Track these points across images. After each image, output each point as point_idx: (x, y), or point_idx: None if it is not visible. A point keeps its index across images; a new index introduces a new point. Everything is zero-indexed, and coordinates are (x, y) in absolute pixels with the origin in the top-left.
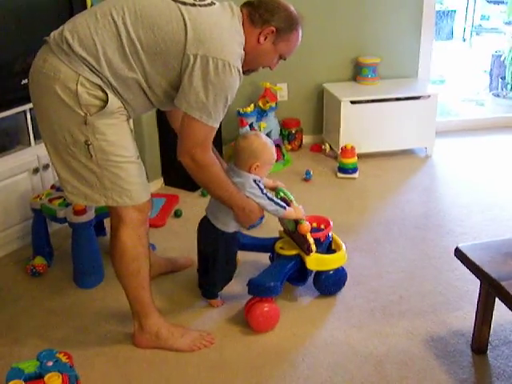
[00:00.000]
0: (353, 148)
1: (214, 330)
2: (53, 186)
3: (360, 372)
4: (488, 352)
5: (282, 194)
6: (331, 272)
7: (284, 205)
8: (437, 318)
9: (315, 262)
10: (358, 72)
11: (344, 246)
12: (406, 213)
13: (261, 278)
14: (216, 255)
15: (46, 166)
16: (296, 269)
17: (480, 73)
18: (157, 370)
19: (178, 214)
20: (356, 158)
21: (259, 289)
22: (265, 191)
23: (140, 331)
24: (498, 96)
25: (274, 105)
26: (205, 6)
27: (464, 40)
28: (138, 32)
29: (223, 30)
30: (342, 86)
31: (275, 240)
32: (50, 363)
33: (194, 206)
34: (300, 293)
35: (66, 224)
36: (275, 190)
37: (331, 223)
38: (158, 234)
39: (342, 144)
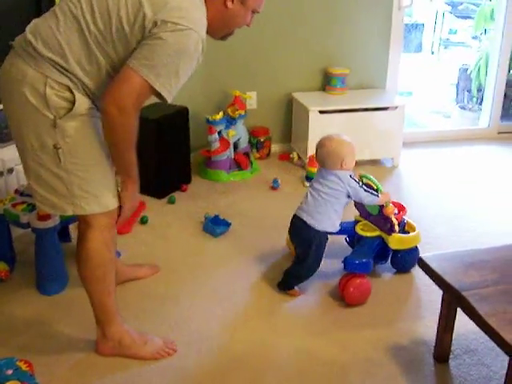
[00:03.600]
0: None
1: (177, 337)
2: (16, 191)
3: (323, 380)
4: (450, 361)
5: (365, 180)
6: (407, 251)
7: (377, 193)
8: (400, 326)
9: (397, 241)
10: (327, 82)
11: (417, 228)
12: None
13: (354, 256)
14: (308, 252)
15: (10, 170)
16: (380, 248)
17: (447, 85)
18: (119, 378)
19: (144, 221)
20: None
21: (355, 265)
22: (360, 184)
23: (103, 338)
24: (464, 108)
25: (243, 113)
26: None
27: (432, 53)
28: (97, 24)
29: None
30: (311, 95)
31: (354, 223)
32: (10, 371)
33: (160, 213)
34: (264, 303)
35: (30, 229)
36: (360, 176)
37: (406, 208)
38: (124, 241)
39: (309, 153)
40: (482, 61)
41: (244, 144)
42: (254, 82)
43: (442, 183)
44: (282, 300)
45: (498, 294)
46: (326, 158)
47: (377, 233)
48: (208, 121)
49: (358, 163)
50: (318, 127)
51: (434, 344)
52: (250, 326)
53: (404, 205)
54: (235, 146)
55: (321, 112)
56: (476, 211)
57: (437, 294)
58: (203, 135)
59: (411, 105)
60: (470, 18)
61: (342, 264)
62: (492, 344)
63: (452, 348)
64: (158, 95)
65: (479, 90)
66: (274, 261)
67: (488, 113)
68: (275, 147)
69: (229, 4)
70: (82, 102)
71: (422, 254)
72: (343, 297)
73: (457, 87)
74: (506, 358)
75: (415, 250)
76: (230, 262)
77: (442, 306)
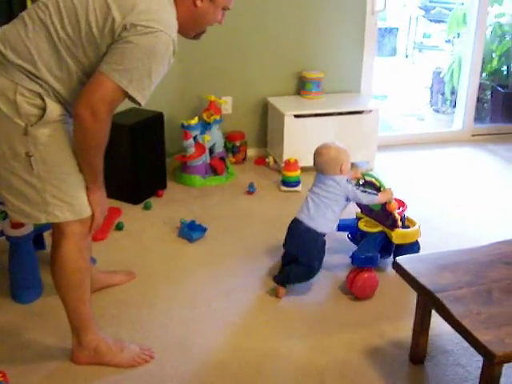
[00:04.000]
0: (296, 161)
1: (154, 344)
2: None
3: None
4: (426, 362)
5: (367, 178)
6: (408, 245)
7: (375, 192)
8: (376, 329)
9: (399, 236)
10: (302, 86)
11: (418, 222)
12: None
13: (361, 251)
14: (312, 255)
15: None
16: (383, 243)
17: (422, 88)
18: None
19: (119, 227)
20: (299, 171)
21: (362, 260)
22: (357, 187)
23: (78, 347)
24: (437, 111)
25: (218, 118)
26: None
27: (407, 56)
28: (65, 29)
29: (151, 0)
30: (286, 99)
31: (356, 220)
32: None
33: (136, 219)
34: (241, 307)
35: (3, 237)
36: (362, 175)
37: (406, 204)
38: (99, 248)
39: (285, 157)
40: (455, 64)
41: (219, 149)
42: (229, 87)
43: (416, 186)
44: (260, 304)
45: (471, 295)
46: (325, 165)
47: (380, 228)
48: (183, 126)
49: None
50: (294, 131)
51: (410, 346)
52: (227, 331)
53: (404, 201)
54: (211, 150)
55: (296, 116)
56: (450, 213)
57: (414, 295)
58: (178, 140)
59: (386, 108)
60: (443, 21)
61: (350, 259)
62: (467, 344)
63: (428, 349)
64: (132, 99)
65: (453, 92)
66: (251, 265)
67: (461, 115)
68: (251, 152)
69: (198, 3)
70: (54, 109)
71: (397, 257)
72: (352, 291)
73: (431, 90)
74: (481, 359)
75: (416, 243)
76: (206, 267)
77: (416, 307)
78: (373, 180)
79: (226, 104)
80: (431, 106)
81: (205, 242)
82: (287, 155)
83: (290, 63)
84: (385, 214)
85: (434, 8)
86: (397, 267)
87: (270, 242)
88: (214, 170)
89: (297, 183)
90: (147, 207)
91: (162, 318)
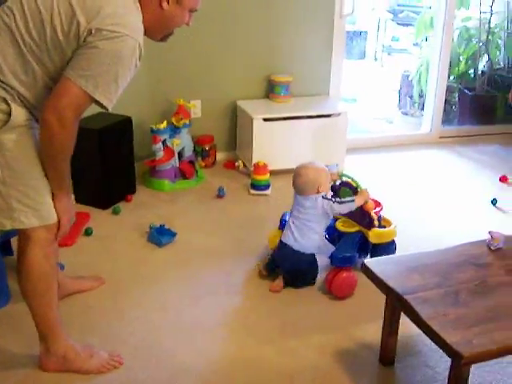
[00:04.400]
0: (265, 165)
1: (123, 350)
2: None
3: None
4: (395, 363)
5: (344, 179)
6: (385, 245)
7: (352, 198)
8: (347, 331)
9: (376, 235)
10: (270, 90)
11: (393, 222)
12: None
13: (340, 251)
14: (304, 272)
15: None
16: (361, 242)
17: (390, 91)
18: None
19: (88, 233)
20: (268, 174)
21: (341, 260)
22: (333, 199)
23: (46, 354)
24: (406, 114)
25: (187, 121)
26: None
27: (376, 59)
28: (30, 33)
29: (117, 4)
30: (255, 103)
31: (333, 221)
32: None
33: (105, 224)
34: (211, 312)
35: None
36: (339, 175)
37: (381, 204)
38: (68, 253)
39: (254, 161)
40: (423, 67)
41: (189, 153)
42: (198, 91)
43: (385, 188)
44: (231, 308)
45: (439, 296)
46: (303, 185)
47: (357, 228)
48: (152, 130)
49: None
50: (263, 135)
51: (380, 347)
52: (197, 336)
53: (380, 202)
54: (180, 154)
55: (265, 120)
56: (419, 215)
57: (383, 297)
58: (147, 145)
59: (355, 111)
60: (411, 25)
61: (329, 259)
62: (436, 346)
63: (398, 351)
64: (99, 104)
65: (421, 95)
66: (220, 269)
67: (430, 118)
68: (220, 155)
69: (164, 5)
70: (19, 114)
71: (365, 259)
72: (331, 291)
73: (399, 93)
74: (450, 360)
75: (392, 243)
76: (176, 271)
77: (385, 309)
78: (349, 181)
79: (195, 108)
80: (400, 108)
81: (174, 247)
82: (256, 159)
83: (258, 66)
84: (362, 214)
85: (402, 12)
86: (365, 270)
87: (240, 246)
88: (183, 174)
89: (266, 187)
90: (116, 212)
91: (132, 323)
